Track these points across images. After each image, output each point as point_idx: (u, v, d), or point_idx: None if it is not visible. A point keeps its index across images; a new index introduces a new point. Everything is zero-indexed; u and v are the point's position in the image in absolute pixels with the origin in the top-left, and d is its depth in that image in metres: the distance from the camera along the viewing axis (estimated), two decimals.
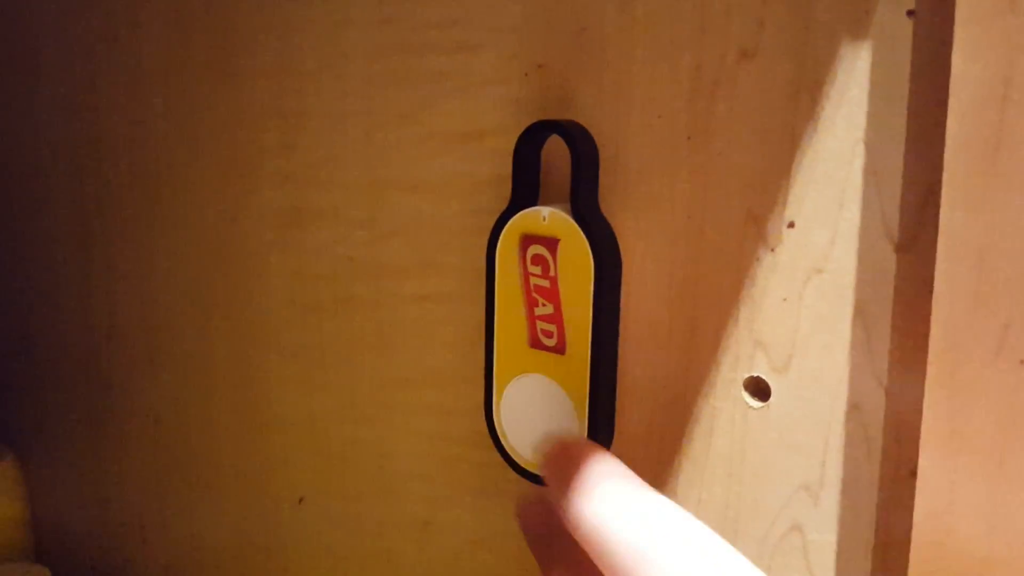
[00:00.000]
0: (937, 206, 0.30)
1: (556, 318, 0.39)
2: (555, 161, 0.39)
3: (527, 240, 0.39)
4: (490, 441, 0.42)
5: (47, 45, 0.62)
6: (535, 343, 0.40)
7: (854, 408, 0.34)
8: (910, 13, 0.31)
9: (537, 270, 0.39)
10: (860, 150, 0.33)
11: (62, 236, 0.64)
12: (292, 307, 0.52)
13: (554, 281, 0.38)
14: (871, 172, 0.33)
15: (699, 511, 0.38)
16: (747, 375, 0.37)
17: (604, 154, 0.38)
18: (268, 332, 0.53)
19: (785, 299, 0.35)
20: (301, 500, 0.54)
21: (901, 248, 0.33)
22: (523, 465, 0.41)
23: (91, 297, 0.64)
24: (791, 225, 0.35)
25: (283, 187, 0.51)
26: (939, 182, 0.30)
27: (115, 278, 0.61)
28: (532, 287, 0.39)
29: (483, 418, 0.42)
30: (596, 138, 0.38)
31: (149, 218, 0.58)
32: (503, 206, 0.40)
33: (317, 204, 0.49)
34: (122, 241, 0.60)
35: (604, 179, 0.38)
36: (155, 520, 0.64)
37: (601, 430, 0.39)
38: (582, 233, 0.37)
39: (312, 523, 0.54)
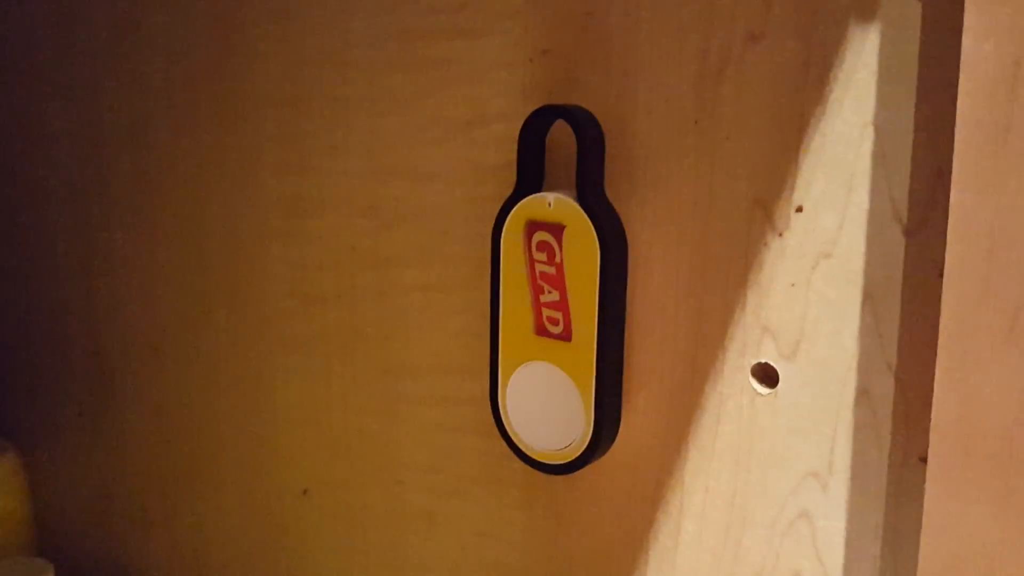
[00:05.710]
0: (947, 189, 0.30)
1: (562, 305, 0.38)
2: (560, 147, 0.39)
3: (532, 227, 0.39)
4: (496, 431, 0.42)
5: (48, 36, 0.61)
6: (541, 331, 0.39)
7: (863, 394, 0.34)
8: None
9: (542, 257, 0.38)
10: (869, 133, 0.33)
11: (63, 228, 0.64)
12: (294, 297, 0.51)
13: (560, 268, 0.38)
14: (880, 155, 0.32)
15: (706, 499, 0.38)
16: (755, 361, 0.36)
17: (610, 139, 0.38)
18: (271, 323, 0.53)
19: (793, 284, 0.35)
20: (305, 492, 0.54)
21: (910, 232, 0.32)
22: (529, 454, 0.41)
23: (92, 290, 0.63)
24: (799, 209, 0.34)
25: (285, 176, 0.50)
26: (949, 165, 0.30)
27: (116, 270, 0.61)
28: (537, 274, 0.39)
29: (489, 407, 0.42)
30: (602, 123, 0.38)
31: (150, 209, 0.58)
32: (508, 193, 0.40)
33: (319, 193, 0.49)
34: (123, 233, 0.60)
35: (610, 164, 0.38)
36: (158, 513, 0.64)
37: (607, 418, 0.38)
38: (588, 219, 0.37)
39: (316, 515, 0.54)
